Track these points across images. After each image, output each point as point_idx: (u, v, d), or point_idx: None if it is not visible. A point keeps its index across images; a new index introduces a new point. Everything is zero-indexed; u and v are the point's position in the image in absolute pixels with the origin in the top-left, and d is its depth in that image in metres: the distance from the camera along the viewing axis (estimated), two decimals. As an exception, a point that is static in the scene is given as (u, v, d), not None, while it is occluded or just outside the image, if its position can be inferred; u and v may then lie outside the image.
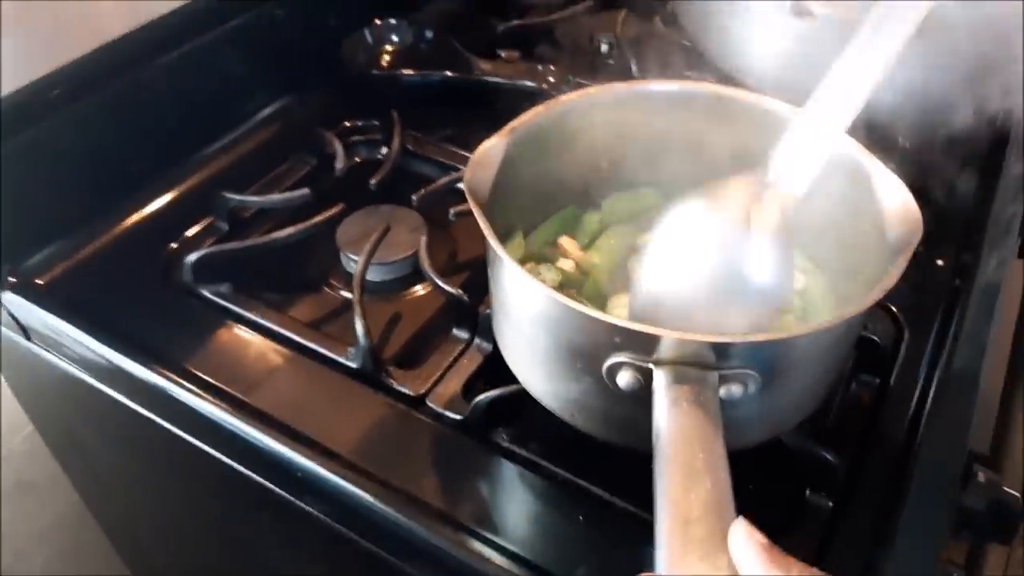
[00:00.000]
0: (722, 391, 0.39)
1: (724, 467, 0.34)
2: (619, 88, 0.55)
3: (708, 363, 0.38)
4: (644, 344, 0.38)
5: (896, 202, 0.44)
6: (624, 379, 0.39)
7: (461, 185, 0.70)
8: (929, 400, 0.53)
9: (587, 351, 0.41)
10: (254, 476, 0.55)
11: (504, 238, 0.45)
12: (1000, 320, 0.64)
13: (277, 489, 0.54)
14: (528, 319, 0.44)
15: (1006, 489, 0.51)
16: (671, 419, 0.36)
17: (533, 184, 0.55)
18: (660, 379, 0.38)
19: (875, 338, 0.56)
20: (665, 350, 0.38)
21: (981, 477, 0.52)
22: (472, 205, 0.45)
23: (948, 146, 0.78)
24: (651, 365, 0.39)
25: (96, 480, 0.86)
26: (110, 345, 0.59)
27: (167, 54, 0.73)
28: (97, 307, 0.62)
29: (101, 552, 1.02)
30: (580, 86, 0.80)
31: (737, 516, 0.32)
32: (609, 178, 0.59)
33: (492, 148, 0.50)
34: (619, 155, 0.58)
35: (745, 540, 0.30)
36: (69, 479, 0.91)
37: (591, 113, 0.55)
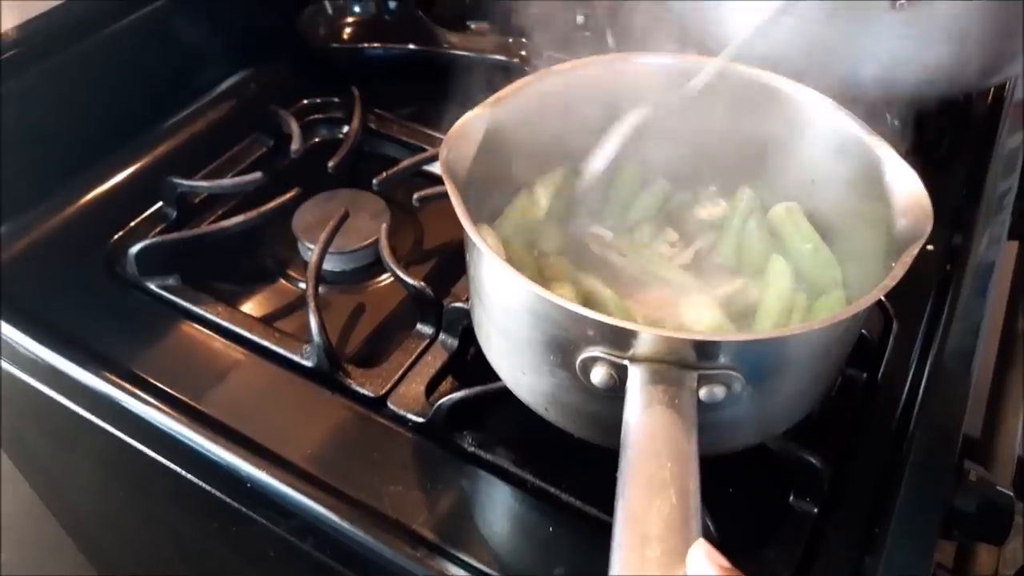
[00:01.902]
0: (702, 392, 0.36)
1: (693, 479, 0.32)
2: (614, 60, 0.53)
3: (688, 362, 0.36)
4: (619, 339, 0.36)
5: (906, 192, 0.42)
6: (598, 375, 0.37)
7: (428, 167, 0.67)
8: (919, 395, 0.51)
9: (560, 344, 0.39)
10: (203, 484, 0.52)
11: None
12: (992, 302, 0.62)
13: (227, 499, 0.51)
14: (502, 308, 0.42)
15: (999, 488, 0.50)
16: (642, 423, 0.34)
17: (515, 166, 0.52)
18: (635, 377, 0.36)
19: (863, 331, 0.53)
20: (641, 346, 0.36)
21: (973, 476, 0.50)
22: (448, 186, 0.42)
23: (938, 124, 0.76)
24: (626, 362, 0.36)
25: (48, 479, 0.82)
26: (49, 346, 0.56)
27: (110, 25, 0.69)
28: (35, 303, 0.59)
29: (63, 546, 0.99)
30: (555, 60, 0.76)
31: (701, 535, 0.30)
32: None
33: (474, 121, 0.47)
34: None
35: (704, 562, 0.28)
36: (23, 476, 0.87)
37: (588, 86, 0.52)
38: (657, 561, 0.29)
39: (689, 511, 0.31)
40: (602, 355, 0.37)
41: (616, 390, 0.37)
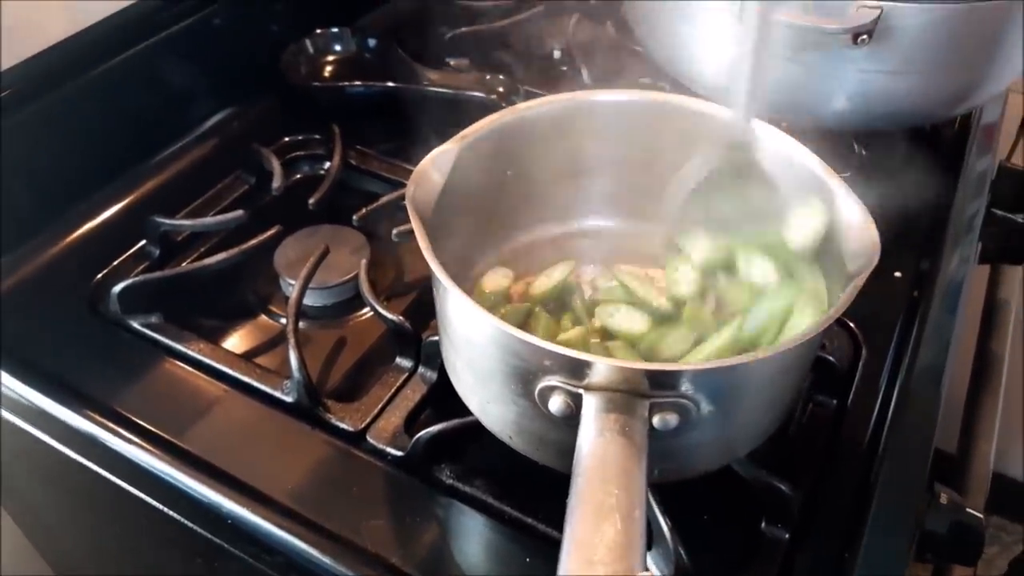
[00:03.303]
0: (655, 420, 0.38)
1: (639, 505, 0.34)
2: (578, 96, 0.55)
3: (640, 391, 0.38)
4: (574, 369, 0.39)
5: (855, 224, 0.43)
6: (555, 404, 0.40)
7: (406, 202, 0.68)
8: (888, 420, 0.52)
9: (521, 374, 0.41)
10: (185, 521, 0.53)
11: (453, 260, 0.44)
12: (963, 323, 0.63)
13: (210, 536, 0.52)
14: (467, 341, 0.44)
15: (968, 511, 0.51)
16: (592, 450, 0.36)
17: (485, 200, 0.54)
18: (589, 405, 0.38)
19: (831, 358, 0.54)
20: (596, 375, 0.38)
21: (943, 499, 0.51)
22: (414, 222, 0.44)
23: (905, 153, 0.78)
24: (581, 390, 0.39)
25: (33, 516, 0.82)
26: (32, 385, 0.58)
27: (95, 67, 0.71)
28: (19, 343, 0.60)
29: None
30: (531, 95, 0.78)
31: (645, 562, 0.32)
32: (569, 193, 0.58)
33: (440, 158, 0.49)
34: (579, 167, 0.57)
35: None
36: (8, 515, 0.87)
37: (549, 122, 0.54)
38: None
39: (634, 536, 0.32)
40: (559, 384, 0.39)
41: (573, 418, 0.39)
